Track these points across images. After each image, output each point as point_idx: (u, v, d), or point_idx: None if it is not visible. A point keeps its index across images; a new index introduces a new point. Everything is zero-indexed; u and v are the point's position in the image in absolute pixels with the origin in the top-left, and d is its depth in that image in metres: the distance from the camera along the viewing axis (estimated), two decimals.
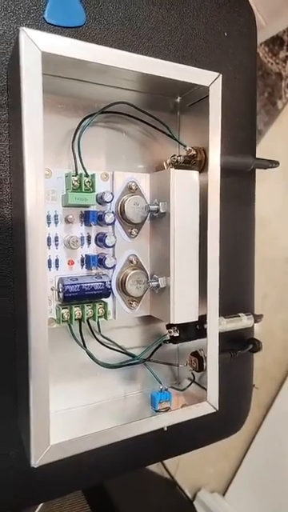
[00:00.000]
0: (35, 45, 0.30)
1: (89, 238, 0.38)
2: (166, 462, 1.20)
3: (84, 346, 0.38)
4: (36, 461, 0.32)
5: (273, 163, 0.50)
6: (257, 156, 0.51)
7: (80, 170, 0.36)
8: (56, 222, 0.36)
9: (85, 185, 0.36)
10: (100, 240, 0.38)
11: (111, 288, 0.38)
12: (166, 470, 1.21)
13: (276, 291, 1.38)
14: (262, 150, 1.31)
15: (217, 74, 0.38)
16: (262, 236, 1.32)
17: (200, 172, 0.40)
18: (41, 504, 0.83)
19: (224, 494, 1.37)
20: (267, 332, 1.36)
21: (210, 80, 0.38)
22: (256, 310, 0.54)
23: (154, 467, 1.19)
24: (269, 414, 1.37)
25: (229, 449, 1.37)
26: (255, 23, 0.53)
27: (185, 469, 1.26)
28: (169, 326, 0.42)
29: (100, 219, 0.37)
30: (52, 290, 0.37)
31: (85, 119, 0.38)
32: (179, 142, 0.42)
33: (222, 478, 1.39)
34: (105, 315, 0.38)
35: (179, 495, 1.23)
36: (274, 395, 1.39)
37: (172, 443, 0.49)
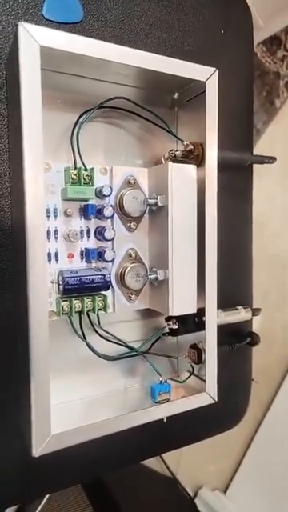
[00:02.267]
0: (34, 39, 0.30)
1: (88, 231, 0.39)
2: (167, 459, 1.20)
3: (84, 338, 0.39)
4: (37, 450, 0.32)
5: (269, 158, 0.50)
6: (256, 153, 0.52)
7: (79, 164, 0.37)
8: (55, 216, 0.37)
9: (84, 178, 0.36)
10: (99, 233, 0.39)
11: (110, 281, 0.39)
12: (167, 467, 1.21)
13: (276, 290, 1.39)
14: (261, 149, 1.31)
15: (213, 69, 0.39)
16: (262, 235, 1.32)
17: (198, 166, 0.40)
18: (43, 502, 0.83)
19: (225, 492, 1.37)
20: (267, 330, 1.37)
21: (206, 75, 0.39)
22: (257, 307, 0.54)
23: (156, 465, 1.20)
24: (269, 411, 1.37)
25: (230, 446, 1.38)
26: (251, 20, 0.53)
27: (186, 466, 1.27)
28: (168, 319, 0.43)
29: (99, 213, 0.38)
30: (52, 282, 0.37)
31: (83, 114, 0.38)
32: (177, 137, 0.43)
33: (224, 475, 1.39)
34: (104, 308, 0.39)
35: (180, 493, 1.23)
36: (275, 392, 1.39)
37: (172, 436, 0.49)
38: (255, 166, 0.53)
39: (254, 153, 0.53)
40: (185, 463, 1.26)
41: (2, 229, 0.37)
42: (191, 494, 1.28)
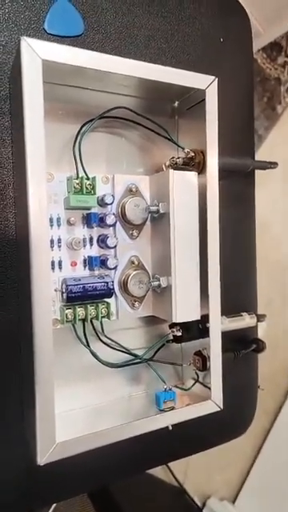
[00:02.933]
0: (36, 53, 0.31)
1: (91, 239, 0.39)
2: (174, 468, 1.19)
3: (88, 346, 0.39)
4: (42, 458, 0.32)
5: (271, 164, 0.50)
6: (258, 159, 0.52)
7: (81, 174, 0.37)
8: (59, 225, 0.37)
9: (86, 187, 0.37)
10: (102, 241, 0.39)
11: (113, 288, 0.39)
12: (174, 476, 1.20)
13: (281, 296, 1.38)
14: (263, 155, 1.32)
15: (213, 77, 0.39)
16: (265, 241, 1.32)
17: (199, 173, 0.41)
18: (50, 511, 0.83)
19: (234, 502, 1.35)
20: (273, 337, 1.36)
21: (206, 83, 0.39)
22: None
23: (163, 475, 1.19)
24: (277, 420, 1.36)
25: (238, 456, 1.36)
26: (250, 28, 0.54)
27: (193, 476, 1.25)
28: (171, 326, 0.43)
29: (101, 221, 0.38)
30: (56, 291, 0.37)
31: (85, 124, 0.39)
32: (178, 145, 0.43)
33: (232, 485, 1.38)
34: (108, 315, 0.39)
35: (188, 503, 1.21)
36: (282, 401, 1.38)
37: (178, 444, 0.49)
38: (257, 172, 0.53)
39: (257, 158, 0.53)
40: (192, 472, 1.25)
41: (6, 238, 0.37)
42: (199, 504, 1.27)
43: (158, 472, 1.18)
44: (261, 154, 1.30)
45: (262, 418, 1.36)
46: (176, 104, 0.45)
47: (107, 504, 0.93)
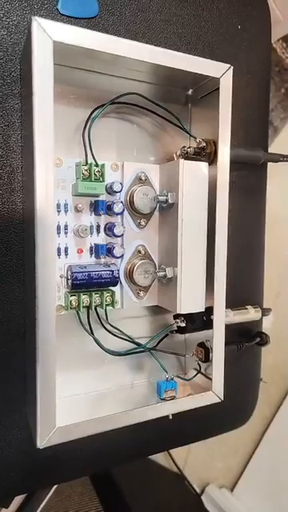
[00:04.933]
0: (47, 34, 0.30)
1: (98, 227, 0.39)
2: (174, 455, 1.20)
3: (91, 333, 0.39)
4: (42, 442, 0.33)
5: (284, 157, 0.49)
6: (273, 151, 0.51)
7: (90, 160, 0.37)
8: (66, 211, 0.37)
9: (94, 174, 0.36)
10: (109, 229, 0.39)
11: (119, 277, 0.39)
12: (175, 463, 1.21)
13: None
14: (279, 146, 1.29)
15: (228, 65, 0.38)
16: (275, 234, 1.30)
17: (210, 164, 0.40)
18: (50, 493, 0.85)
19: (232, 490, 1.37)
20: (279, 330, 1.35)
21: (220, 72, 0.38)
22: (268, 307, 0.53)
23: (163, 461, 1.20)
24: (279, 410, 1.36)
25: (238, 444, 1.37)
26: (270, 17, 0.52)
27: (193, 463, 1.27)
28: (176, 316, 0.43)
29: (109, 209, 0.38)
30: (61, 277, 0.37)
31: (96, 109, 0.38)
32: (190, 134, 0.43)
33: (231, 473, 1.39)
34: (112, 303, 0.39)
35: (187, 489, 1.23)
36: (285, 392, 1.38)
37: (178, 433, 0.49)
38: (272, 164, 0.52)
39: (272, 150, 0.52)
40: (192, 459, 1.26)
41: (13, 223, 0.37)
42: (198, 491, 1.29)
43: (159, 458, 1.19)
44: (276, 145, 1.28)
45: (264, 407, 1.36)
46: (190, 92, 0.44)
47: (107, 485, 0.94)
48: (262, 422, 1.37)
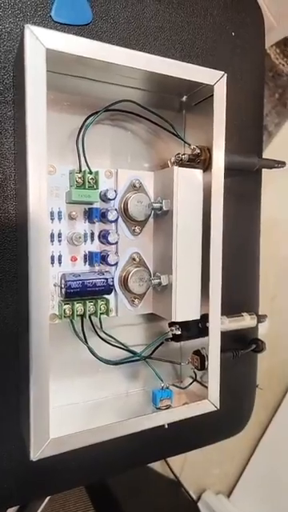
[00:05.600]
0: (40, 41, 0.30)
1: (92, 234, 0.38)
2: (171, 462, 1.20)
3: (86, 342, 0.39)
4: (35, 454, 0.32)
5: (279, 163, 0.49)
6: (267, 157, 0.51)
7: (84, 167, 0.37)
8: (59, 219, 0.37)
9: (88, 182, 0.36)
10: (103, 237, 0.38)
11: (113, 285, 0.39)
12: (171, 470, 1.20)
13: (285, 293, 1.37)
14: (273, 151, 1.30)
15: (222, 72, 0.38)
16: (271, 238, 1.31)
17: (204, 171, 0.40)
18: (45, 502, 0.83)
19: (229, 496, 1.36)
20: (275, 334, 1.35)
21: (214, 79, 0.38)
22: (264, 311, 0.53)
23: (159, 467, 1.19)
24: (275, 416, 1.36)
25: (234, 450, 1.37)
26: (263, 23, 0.52)
27: (190, 470, 1.26)
28: (171, 324, 0.42)
29: (103, 216, 0.38)
30: (55, 285, 0.37)
31: (89, 117, 0.38)
32: (184, 141, 0.42)
33: (228, 479, 1.38)
34: (107, 312, 0.38)
35: (184, 496, 1.22)
36: (281, 397, 1.38)
37: (174, 441, 0.49)
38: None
39: (266, 155, 0.52)
40: (189, 466, 1.25)
41: (6, 231, 0.37)
42: (194, 497, 1.28)
43: (155, 464, 1.18)
44: (270, 151, 1.28)
45: (261, 413, 1.36)
46: (184, 98, 0.44)
47: (103, 495, 0.93)
48: (258, 427, 1.36)
